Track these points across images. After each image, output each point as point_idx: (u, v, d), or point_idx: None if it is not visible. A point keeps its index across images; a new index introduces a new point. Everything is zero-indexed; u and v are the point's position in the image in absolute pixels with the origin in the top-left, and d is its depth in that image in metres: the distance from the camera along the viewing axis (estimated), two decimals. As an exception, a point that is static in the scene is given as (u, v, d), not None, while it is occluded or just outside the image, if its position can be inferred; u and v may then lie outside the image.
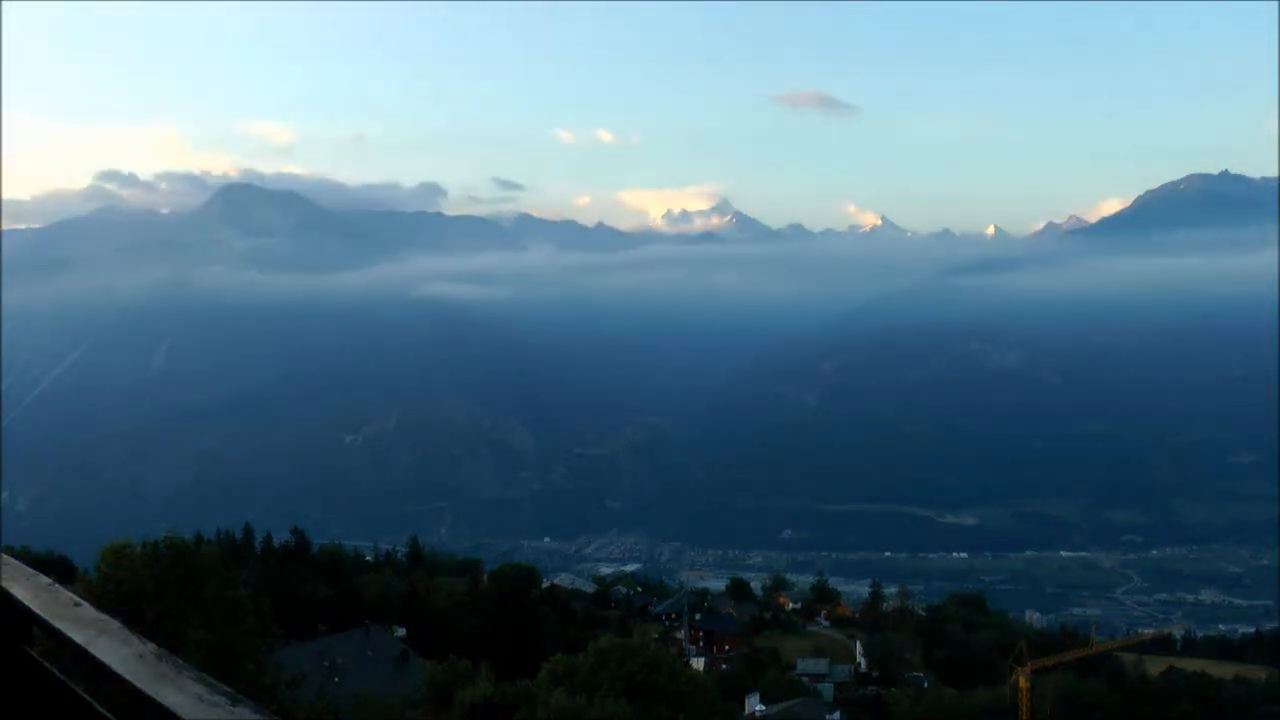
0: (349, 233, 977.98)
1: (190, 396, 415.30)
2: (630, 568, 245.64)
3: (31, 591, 4.43)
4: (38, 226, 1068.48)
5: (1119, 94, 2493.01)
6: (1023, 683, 75.68)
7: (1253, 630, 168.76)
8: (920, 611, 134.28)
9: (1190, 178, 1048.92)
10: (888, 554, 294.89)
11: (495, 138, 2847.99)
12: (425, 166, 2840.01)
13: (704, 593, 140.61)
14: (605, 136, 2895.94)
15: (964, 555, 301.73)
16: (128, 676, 3.33)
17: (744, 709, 68.36)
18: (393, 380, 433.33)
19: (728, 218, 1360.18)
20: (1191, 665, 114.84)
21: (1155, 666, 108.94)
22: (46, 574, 4.80)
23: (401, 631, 72.56)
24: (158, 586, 27.36)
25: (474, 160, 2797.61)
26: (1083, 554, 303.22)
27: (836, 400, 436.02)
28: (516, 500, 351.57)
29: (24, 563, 4.94)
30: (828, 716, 68.89)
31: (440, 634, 71.95)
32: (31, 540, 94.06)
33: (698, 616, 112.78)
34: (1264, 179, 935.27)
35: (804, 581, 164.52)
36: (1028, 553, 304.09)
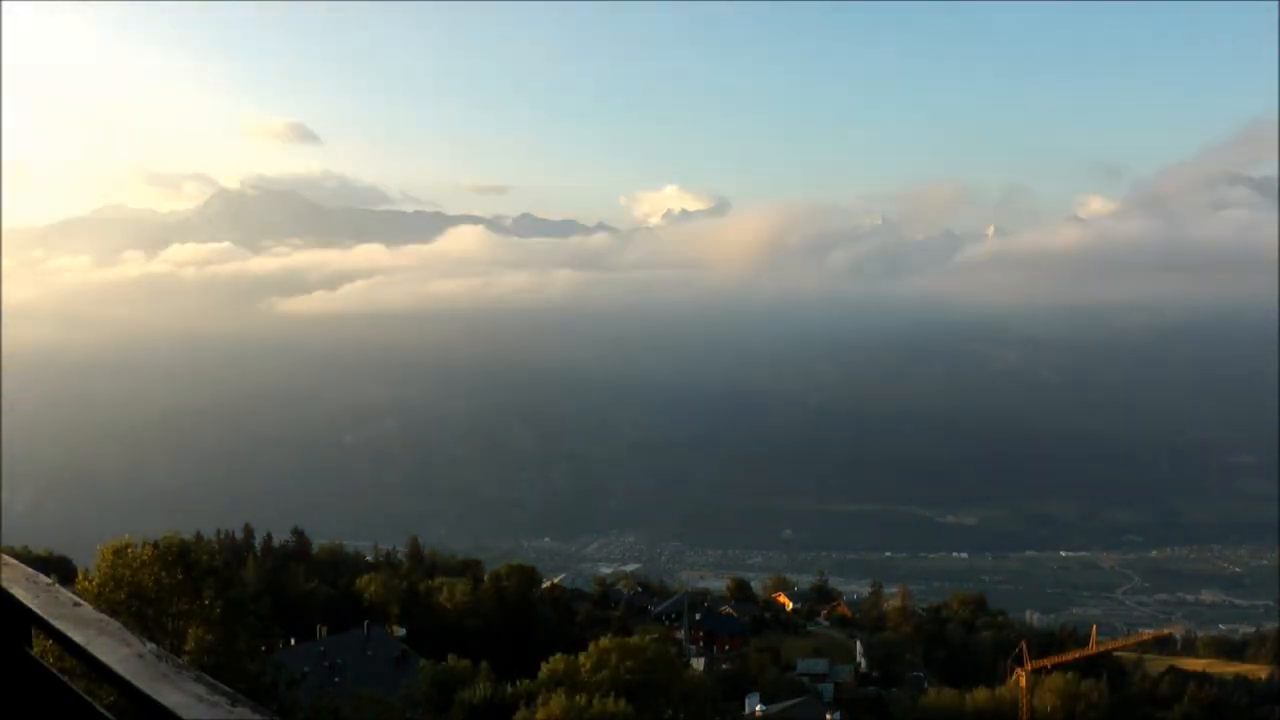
0: (348, 232, 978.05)
1: (190, 396, 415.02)
2: (630, 568, 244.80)
3: (31, 591, 4.41)
4: (39, 226, 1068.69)
5: (1119, 93, 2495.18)
6: (1023, 683, 75.53)
7: (1253, 630, 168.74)
8: (920, 611, 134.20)
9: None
10: (888, 554, 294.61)
11: (495, 138, 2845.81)
12: (426, 166, 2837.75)
13: (704, 593, 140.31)
14: (606, 136, 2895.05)
15: (964, 555, 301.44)
16: (128, 676, 3.32)
17: (744, 709, 68.30)
18: (393, 380, 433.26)
19: (727, 218, 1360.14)
20: (1192, 665, 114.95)
21: (1155, 666, 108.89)
22: (46, 574, 4.77)
23: (401, 631, 72.42)
24: (158, 586, 27.35)
25: (473, 161, 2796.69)
26: (1083, 554, 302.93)
27: (837, 400, 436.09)
28: (516, 500, 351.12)
29: (24, 563, 4.91)
30: (828, 716, 68.71)
31: (440, 634, 71.84)
32: (31, 540, 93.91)
33: (698, 616, 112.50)
34: (1264, 179, 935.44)
35: (804, 581, 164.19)
36: (1028, 553, 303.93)
